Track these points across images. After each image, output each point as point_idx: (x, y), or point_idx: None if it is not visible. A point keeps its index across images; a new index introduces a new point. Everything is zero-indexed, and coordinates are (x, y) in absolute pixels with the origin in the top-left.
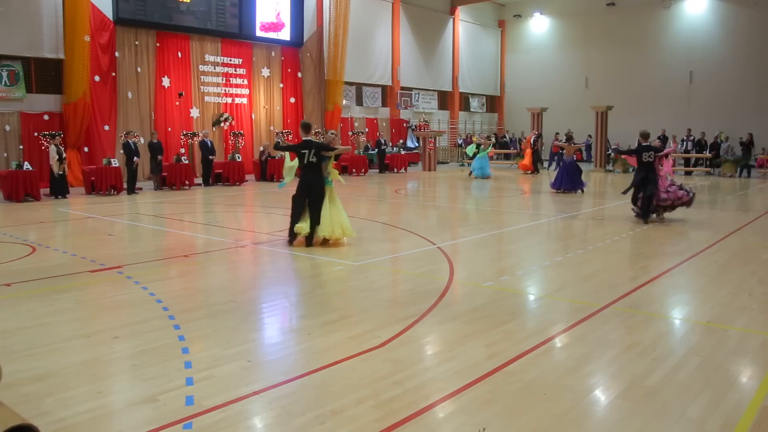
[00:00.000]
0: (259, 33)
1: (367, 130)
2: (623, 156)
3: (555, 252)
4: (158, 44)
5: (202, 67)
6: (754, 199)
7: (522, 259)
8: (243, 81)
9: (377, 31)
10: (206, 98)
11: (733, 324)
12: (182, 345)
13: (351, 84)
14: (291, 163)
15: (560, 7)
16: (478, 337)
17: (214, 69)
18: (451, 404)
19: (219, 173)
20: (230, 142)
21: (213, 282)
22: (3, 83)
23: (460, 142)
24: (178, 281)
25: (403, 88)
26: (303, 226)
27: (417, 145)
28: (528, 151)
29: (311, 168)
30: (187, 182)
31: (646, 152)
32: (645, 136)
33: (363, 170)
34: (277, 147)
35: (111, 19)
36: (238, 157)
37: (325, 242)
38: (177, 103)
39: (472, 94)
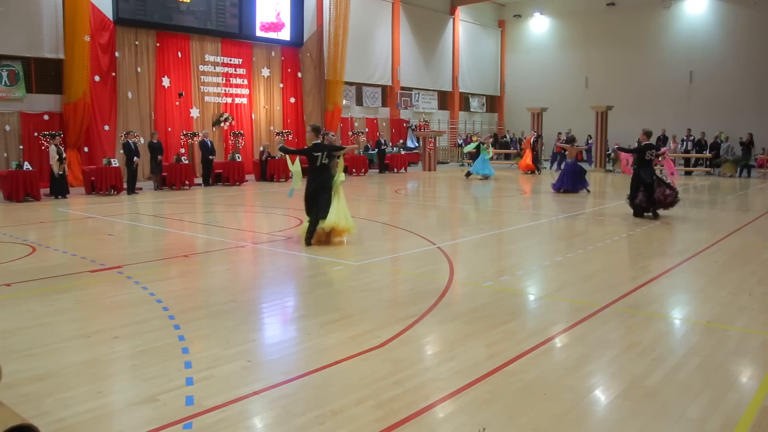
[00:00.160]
0: (259, 33)
1: (367, 130)
2: (625, 154)
3: (555, 252)
4: (158, 44)
5: (202, 67)
6: (754, 199)
7: (522, 259)
8: (243, 81)
9: (377, 31)
10: (206, 98)
11: (733, 324)
12: (182, 345)
13: (351, 84)
14: (296, 168)
15: (560, 7)
16: (478, 337)
17: (214, 69)
18: (451, 404)
19: (219, 173)
20: (230, 142)
21: (213, 282)
22: (3, 83)
23: (460, 142)
24: (178, 281)
25: (403, 88)
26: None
27: (417, 145)
28: (528, 151)
29: (323, 169)
30: (187, 182)
31: (649, 150)
32: (648, 134)
33: (363, 170)
34: (285, 150)
35: (111, 19)
36: (238, 157)
37: (327, 238)
38: (177, 103)
39: (472, 94)
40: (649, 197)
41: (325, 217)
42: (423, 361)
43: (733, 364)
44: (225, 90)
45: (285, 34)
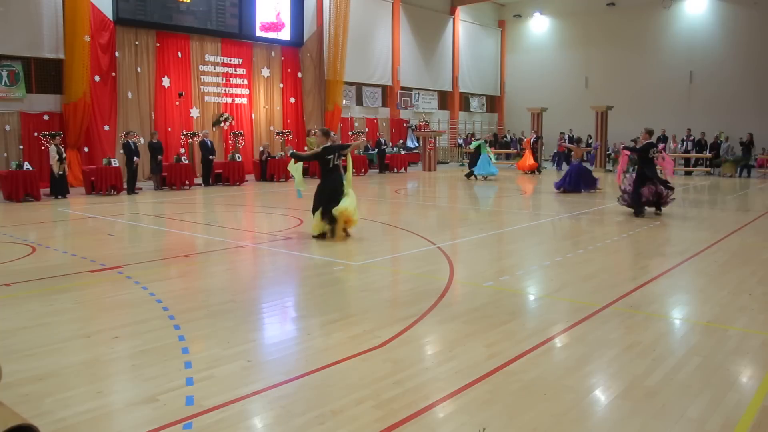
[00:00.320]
0: (259, 33)
1: (367, 130)
2: (629, 154)
3: (555, 252)
4: (158, 44)
5: (202, 67)
6: (754, 199)
7: (522, 259)
8: (243, 81)
9: (377, 31)
10: (206, 98)
11: (733, 324)
12: (182, 345)
13: (351, 84)
14: (299, 176)
15: (560, 7)
16: (478, 337)
17: (214, 69)
18: (451, 404)
19: (219, 173)
20: (230, 142)
21: (213, 282)
22: (3, 83)
23: (460, 141)
24: (178, 281)
25: (403, 88)
26: (315, 229)
27: (417, 145)
28: (528, 151)
29: (335, 169)
30: (187, 182)
31: (652, 149)
32: (650, 132)
33: (363, 170)
34: (297, 156)
35: (111, 19)
36: (238, 157)
37: (332, 232)
38: (177, 103)
39: (472, 94)
40: (656, 191)
41: (336, 205)
42: (423, 361)
43: (733, 364)
44: (225, 90)
45: (285, 34)
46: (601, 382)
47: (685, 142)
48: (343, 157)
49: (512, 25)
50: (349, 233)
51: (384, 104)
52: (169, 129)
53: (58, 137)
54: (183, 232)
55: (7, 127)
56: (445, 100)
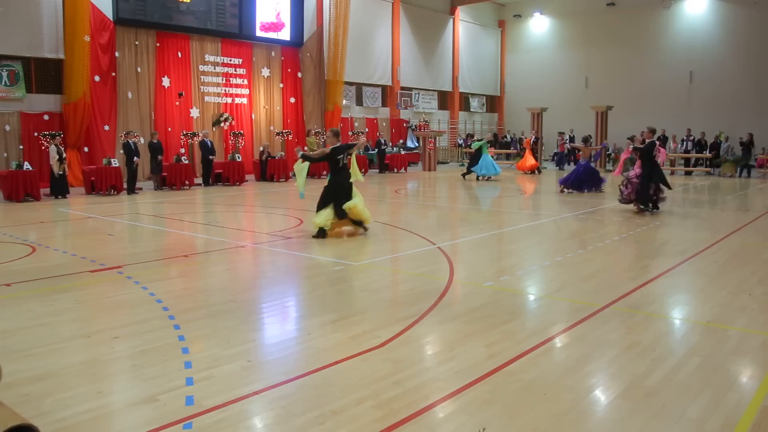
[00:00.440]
0: (259, 33)
1: (367, 130)
2: (623, 157)
3: (555, 252)
4: (158, 44)
5: (202, 67)
6: (754, 199)
7: (522, 259)
8: (243, 81)
9: (377, 31)
10: (206, 98)
11: (733, 324)
12: (182, 345)
13: (351, 84)
14: (303, 170)
15: (560, 7)
16: (478, 337)
17: (214, 69)
18: (451, 404)
19: (219, 173)
20: (230, 142)
21: (213, 282)
22: (3, 83)
23: (460, 141)
24: (178, 281)
25: (403, 88)
26: (324, 221)
27: (417, 145)
28: (528, 152)
29: (344, 168)
30: (187, 182)
31: (655, 147)
32: (653, 131)
33: (363, 170)
34: (310, 159)
35: (111, 19)
36: (238, 157)
37: (339, 228)
38: (177, 103)
39: (472, 94)
40: (657, 188)
41: (343, 216)
42: (423, 361)
43: (733, 364)
44: (225, 90)
45: (285, 34)
46: (601, 382)
47: (685, 142)
48: (349, 156)
49: (512, 25)
50: (366, 228)
51: (384, 104)
52: (169, 129)
53: (58, 137)
54: (183, 232)
55: (7, 127)
56: (445, 100)
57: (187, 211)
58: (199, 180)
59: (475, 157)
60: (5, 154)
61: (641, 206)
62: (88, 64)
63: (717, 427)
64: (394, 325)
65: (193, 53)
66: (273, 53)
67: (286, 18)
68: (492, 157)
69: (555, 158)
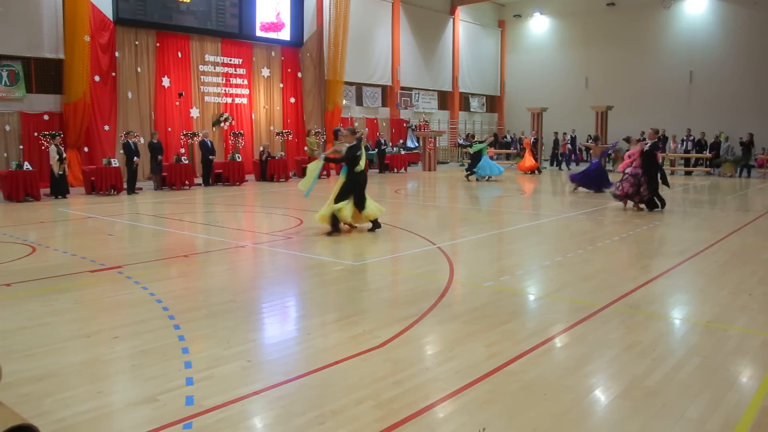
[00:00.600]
0: (259, 33)
1: (367, 130)
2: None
3: (555, 252)
4: (158, 44)
5: (202, 67)
6: (754, 199)
7: (522, 259)
8: (243, 81)
9: (377, 31)
10: (206, 98)
11: (733, 324)
12: (182, 345)
13: (351, 84)
14: (315, 170)
15: (560, 7)
16: (478, 337)
17: (214, 69)
18: (451, 404)
19: (219, 173)
20: (230, 142)
21: (213, 282)
22: (3, 83)
23: (460, 141)
24: (178, 281)
25: (403, 88)
26: (348, 215)
27: (417, 145)
28: (528, 152)
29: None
30: (187, 182)
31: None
32: (657, 132)
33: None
34: (333, 161)
35: (111, 19)
36: (238, 157)
37: (352, 227)
38: (177, 103)
39: (472, 94)
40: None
41: (364, 206)
42: (423, 361)
43: (733, 364)
44: (225, 90)
45: (285, 34)
46: (601, 382)
47: (685, 142)
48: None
49: (512, 25)
50: (379, 224)
51: (384, 104)
52: (169, 129)
53: (58, 137)
54: (183, 232)
55: (7, 127)
56: (445, 100)
57: (187, 211)
58: (199, 180)
59: (475, 159)
60: (5, 154)
61: (646, 207)
62: (88, 64)
63: (717, 427)
64: (394, 325)
65: (193, 53)
66: (273, 53)
67: (286, 18)
68: (492, 157)
69: (559, 158)
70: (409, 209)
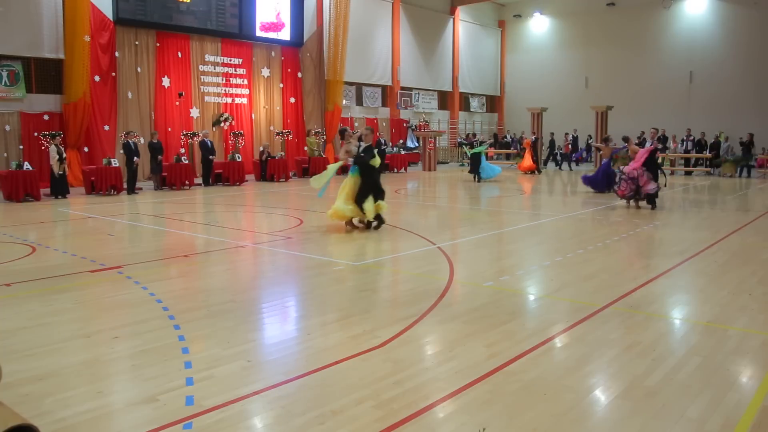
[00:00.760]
0: (259, 33)
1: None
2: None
3: (555, 252)
4: (158, 44)
5: (202, 67)
6: (754, 199)
7: (522, 259)
8: (243, 81)
9: (377, 31)
10: (206, 98)
11: (733, 324)
12: (182, 345)
13: (351, 84)
14: (334, 169)
15: (560, 7)
16: (478, 337)
17: (214, 69)
18: (451, 404)
19: (219, 173)
20: (230, 142)
21: (213, 282)
22: (3, 83)
23: (460, 140)
24: (178, 281)
25: (403, 88)
26: (382, 207)
27: (417, 145)
28: (527, 152)
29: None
30: (187, 182)
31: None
32: (657, 131)
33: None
34: (363, 158)
35: (111, 19)
36: (238, 157)
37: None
38: (177, 103)
39: (472, 94)
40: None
41: (382, 198)
42: (423, 361)
43: (733, 364)
44: (225, 90)
45: (285, 34)
46: (601, 382)
47: (685, 142)
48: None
49: (512, 25)
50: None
51: (384, 104)
52: (169, 129)
53: (58, 137)
54: (183, 232)
55: (7, 127)
56: (445, 100)
57: (187, 211)
58: (199, 180)
59: (476, 161)
60: (5, 154)
61: (649, 204)
62: (88, 64)
63: (717, 427)
64: (394, 325)
65: (193, 53)
66: (273, 53)
67: (286, 18)
68: (492, 157)
69: (558, 158)
70: (409, 209)
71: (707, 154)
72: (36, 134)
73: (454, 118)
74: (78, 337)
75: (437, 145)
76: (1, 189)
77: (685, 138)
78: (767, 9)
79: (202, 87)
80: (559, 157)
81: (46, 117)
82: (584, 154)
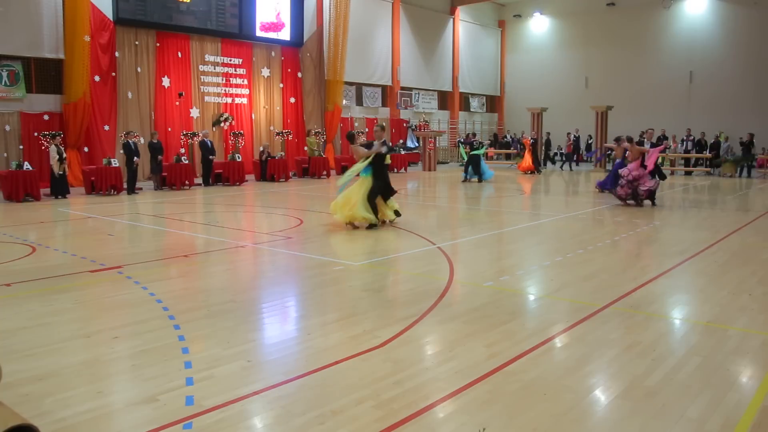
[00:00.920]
0: (259, 33)
1: (367, 130)
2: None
3: (555, 252)
4: (158, 44)
5: (202, 67)
6: (754, 199)
7: (522, 259)
8: (243, 81)
9: (377, 31)
10: (206, 98)
11: (733, 324)
12: (182, 345)
13: (351, 84)
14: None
15: (560, 7)
16: (478, 337)
17: (214, 69)
18: (451, 404)
19: (219, 173)
20: (230, 142)
21: (213, 282)
22: (3, 83)
23: (459, 140)
24: (178, 281)
25: (403, 88)
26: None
27: (417, 145)
28: (527, 152)
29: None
30: (187, 182)
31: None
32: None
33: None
34: (391, 150)
35: (111, 19)
36: (238, 157)
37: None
38: (177, 103)
39: (472, 94)
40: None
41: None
42: (423, 361)
43: (733, 364)
44: (225, 90)
45: (285, 34)
46: (601, 382)
47: (685, 142)
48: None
49: (512, 25)
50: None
51: (384, 104)
52: (169, 129)
53: (58, 137)
54: (183, 232)
55: (7, 127)
56: (445, 100)
57: (187, 211)
58: (199, 180)
59: (476, 162)
60: (5, 154)
61: (650, 202)
62: (88, 64)
63: (717, 427)
64: (394, 325)
65: (193, 53)
66: (273, 53)
67: (286, 18)
68: (492, 157)
69: (555, 159)
70: (409, 209)
71: (707, 154)
72: (36, 134)
73: (454, 118)
74: (78, 337)
75: (437, 145)
76: (1, 189)
77: (685, 138)
78: (767, 9)
79: (202, 87)
80: (558, 157)
81: (46, 117)
82: (598, 154)
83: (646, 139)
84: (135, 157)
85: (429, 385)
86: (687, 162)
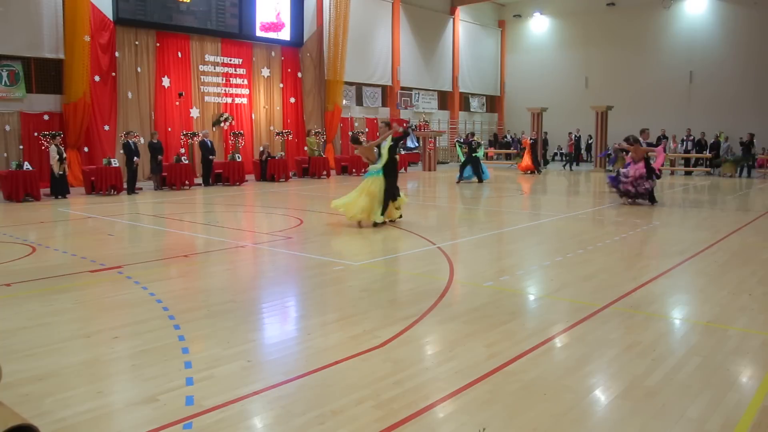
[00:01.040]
0: (259, 33)
1: (367, 130)
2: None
3: (555, 252)
4: (158, 44)
5: (202, 67)
6: (754, 199)
7: (522, 259)
8: (243, 81)
9: (377, 31)
10: (206, 98)
11: (733, 324)
12: (182, 345)
13: (351, 84)
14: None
15: (560, 7)
16: (478, 337)
17: (214, 69)
18: (451, 404)
19: (219, 173)
20: (230, 142)
21: (213, 282)
22: (3, 83)
23: (457, 140)
24: (178, 281)
25: (403, 88)
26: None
27: (417, 145)
28: (526, 152)
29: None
30: (187, 182)
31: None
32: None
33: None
34: (407, 133)
35: (111, 19)
36: (238, 157)
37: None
38: (177, 103)
39: (472, 94)
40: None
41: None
42: (423, 361)
43: (733, 364)
44: (225, 90)
45: (285, 34)
46: (601, 382)
47: (685, 142)
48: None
49: (512, 25)
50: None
51: (384, 104)
52: (169, 129)
53: (58, 137)
54: (183, 232)
55: (7, 127)
56: (445, 100)
57: (187, 211)
58: (199, 180)
59: (476, 162)
60: (5, 154)
61: (650, 201)
62: (88, 64)
63: (717, 427)
64: (394, 325)
65: (193, 53)
66: (273, 53)
67: (286, 18)
68: (492, 157)
69: (564, 158)
70: (409, 209)
71: (707, 154)
72: (36, 134)
73: (454, 118)
74: (78, 337)
75: (437, 145)
76: (1, 189)
77: (685, 138)
78: (767, 9)
79: (202, 87)
80: (558, 157)
81: (46, 117)
82: (612, 153)
83: (642, 140)
84: (135, 157)
85: (429, 385)
86: (687, 162)
